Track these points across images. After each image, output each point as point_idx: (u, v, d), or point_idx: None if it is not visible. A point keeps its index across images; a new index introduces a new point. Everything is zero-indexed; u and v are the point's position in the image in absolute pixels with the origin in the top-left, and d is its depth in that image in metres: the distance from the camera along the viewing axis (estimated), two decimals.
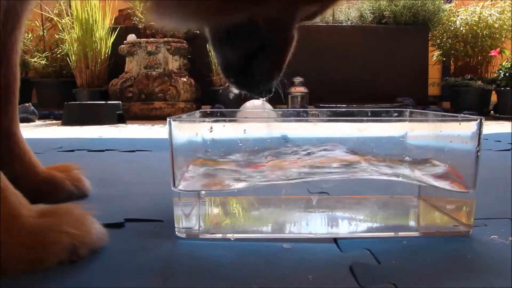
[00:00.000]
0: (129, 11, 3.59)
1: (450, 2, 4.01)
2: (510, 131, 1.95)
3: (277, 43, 0.55)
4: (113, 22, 3.61)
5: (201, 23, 0.56)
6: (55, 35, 3.71)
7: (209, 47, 0.57)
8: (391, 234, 0.52)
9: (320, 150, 0.55)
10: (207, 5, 0.47)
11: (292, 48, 0.58)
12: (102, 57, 3.46)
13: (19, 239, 0.41)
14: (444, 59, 4.00)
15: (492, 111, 3.53)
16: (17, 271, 0.40)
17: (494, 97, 3.58)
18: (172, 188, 0.50)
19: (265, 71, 0.56)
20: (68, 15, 3.45)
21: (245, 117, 0.57)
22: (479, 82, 3.49)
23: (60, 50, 3.67)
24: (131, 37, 3.38)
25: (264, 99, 0.59)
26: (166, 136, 0.49)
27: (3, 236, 0.40)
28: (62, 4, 3.54)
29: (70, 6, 3.33)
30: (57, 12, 3.63)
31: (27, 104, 3.02)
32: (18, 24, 0.62)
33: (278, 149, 0.54)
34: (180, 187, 0.50)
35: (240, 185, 0.51)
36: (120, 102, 3.03)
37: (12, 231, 0.41)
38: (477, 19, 3.66)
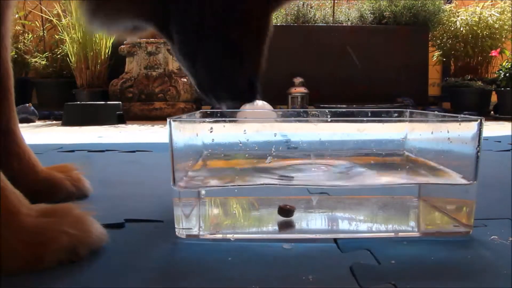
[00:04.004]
0: None
1: (450, 3, 4.01)
2: (510, 132, 1.94)
3: (250, 36, 0.48)
4: None
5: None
6: (55, 35, 3.71)
7: (182, 67, 0.51)
8: (391, 234, 0.52)
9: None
10: None
11: (269, 37, 0.50)
12: (102, 58, 3.46)
13: (19, 237, 0.41)
14: (444, 59, 3.99)
15: (492, 112, 3.53)
16: (15, 269, 0.40)
17: (494, 98, 3.58)
18: (172, 186, 0.50)
19: (245, 72, 0.49)
20: (67, 16, 3.45)
21: (245, 118, 0.57)
22: (479, 83, 3.49)
23: (60, 51, 3.67)
24: (131, 38, 3.38)
25: (257, 101, 0.53)
26: (166, 136, 0.49)
27: (3, 233, 0.40)
28: (61, 4, 3.54)
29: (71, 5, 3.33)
30: (56, 12, 3.63)
31: (27, 104, 3.02)
32: (3, 20, 0.60)
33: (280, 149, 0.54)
34: (180, 184, 0.50)
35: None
36: (120, 102, 3.03)
37: (11, 229, 0.41)
38: (477, 20, 3.66)
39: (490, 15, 3.64)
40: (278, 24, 3.74)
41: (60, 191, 0.67)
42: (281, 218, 0.52)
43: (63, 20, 3.48)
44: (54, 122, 3.05)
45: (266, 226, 0.54)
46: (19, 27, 3.77)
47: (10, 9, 0.62)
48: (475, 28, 3.65)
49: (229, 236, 0.50)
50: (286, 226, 0.53)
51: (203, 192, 0.52)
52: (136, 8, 0.49)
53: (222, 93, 0.51)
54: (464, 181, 0.51)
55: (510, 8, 3.62)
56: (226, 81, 0.50)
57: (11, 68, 0.63)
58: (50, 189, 0.66)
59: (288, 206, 0.52)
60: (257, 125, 0.54)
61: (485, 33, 3.64)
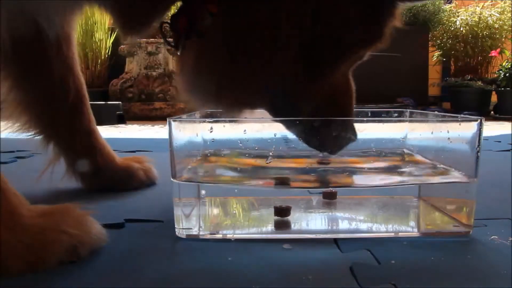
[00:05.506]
0: None
1: (450, 3, 4.01)
2: (510, 132, 1.95)
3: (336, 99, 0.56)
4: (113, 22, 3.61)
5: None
6: None
7: None
8: (391, 234, 0.52)
9: None
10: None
11: (354, 95, 0.59)
12: (102, 58, 3.46)
13: (19, 238, 0.41)
14: (444, 59, 3.99)
15: (492, 112, 3.53)
16: (16, 271, 0.40)
17: (494, 98, 3.58)
18: (172, 179, 0.50)
19: (337, 133, 0.55)
20: None
21: (245, 117, 0.57)
22: (479, 83, 3.49)
23: None
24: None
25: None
26: (166, 136, 0.49)
27: (3, 235, 0.40)
28: None
29: None
30: None
31: None
32: (69, 38, 0.69)
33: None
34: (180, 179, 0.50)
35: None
36: (120, 102, 3.03)
37: (13, 230, 0.41)
38: (477, 20, 3.66)
39: (490, 15, 3.64)
40: None
41: (134, 180, 0.75)
42: (280, 218, 0.52)
43: None
44: None
45: (266, 226, 0.54)
46: None
47: (73, 30, 0.71)
48: (475, 28, 3.65)
49: (229, 236, 0.50)
50: (286, 226, 0.53)
51: (203, 192, 0.52)
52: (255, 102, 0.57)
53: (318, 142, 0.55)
54: (464, 179, 0.51)
55: (510, 8, 3.62)
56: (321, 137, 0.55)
57: (82, 77, 0.72)
58: (127, 178, 0.74)
59: (284, 206, 0.52)
60: (257, 125, 0.54)
61: (485, 33, 3.64)
